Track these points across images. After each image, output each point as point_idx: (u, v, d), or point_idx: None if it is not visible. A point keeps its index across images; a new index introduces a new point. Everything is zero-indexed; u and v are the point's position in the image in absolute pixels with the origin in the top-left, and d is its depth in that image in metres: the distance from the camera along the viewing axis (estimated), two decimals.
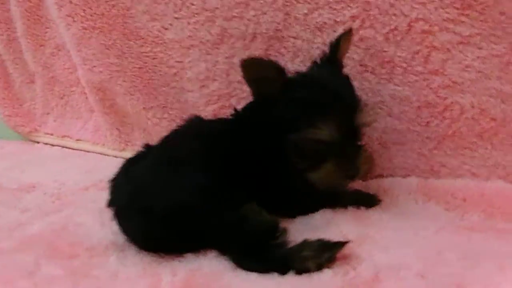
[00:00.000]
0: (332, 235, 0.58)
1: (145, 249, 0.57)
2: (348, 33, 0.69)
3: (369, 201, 0.73)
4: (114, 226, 0.60)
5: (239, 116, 0.72)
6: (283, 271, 0.50)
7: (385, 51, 0.77)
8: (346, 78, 0.68)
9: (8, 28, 1.28)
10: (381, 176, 0.82)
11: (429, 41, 0.74)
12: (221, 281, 0.48)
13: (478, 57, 0.71)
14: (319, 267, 0.50)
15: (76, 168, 1.00)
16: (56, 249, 0.57)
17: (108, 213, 0.60)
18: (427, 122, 0.77)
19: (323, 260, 0.50)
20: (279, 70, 0.63)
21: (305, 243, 0.53)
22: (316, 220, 0.65)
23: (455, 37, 0.72)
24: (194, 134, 0.67)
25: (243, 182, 0.59)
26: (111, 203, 0.61)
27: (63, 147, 1.23)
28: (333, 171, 0.61)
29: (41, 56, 1.24)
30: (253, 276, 0.50)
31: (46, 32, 1.22)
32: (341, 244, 0.52)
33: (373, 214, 0.67)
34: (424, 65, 0.75)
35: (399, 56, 0.76)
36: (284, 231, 0.56)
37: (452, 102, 0.74)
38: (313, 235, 0.58)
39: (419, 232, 0.60)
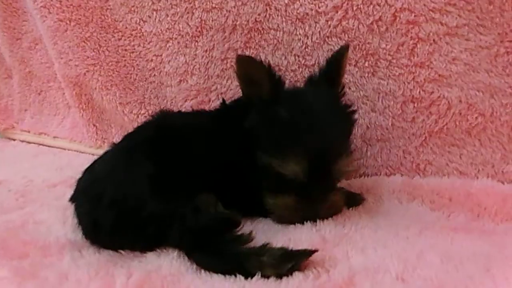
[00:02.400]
0: (306, 235, 0.55)
1: (98, 244, 0.54)
2: (345, 48, 0.63)
3: (352, 200, 0.69)
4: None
5: (221, 109, 0.69)
6: (237, 270, 0.46)
7: (368, 43, 0.74)
8: (343, 109, 0.62)
9: None
10: (364, 174, 0.79)
11: (414, 32, 0.70)
12: (179, 284, 0.44)
13: (465, 49, 0.68)
14: (278, 276, 0.45)
15: (48, 165, 0.96)
16: (7, 248, 0.53)
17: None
18: (413, 118, 0.73)
19: (284, 271, 0.46)
20: (273, 77, 0.59)
21: (267, 248, 0.48)
22: None
23: (442, 28, 0.68)
24: (155, 124, 0.64)
25: (202, 174, 0.56)
26: (71, 198, 0.57)
27: (39, 144, 1.18)
28: (289, 207, 0.58)
29: (17, 50, 1.20)
30: (216, 279, 0.45)
31: (23, 25, 1.18)
32: (306, 254, 0.47)
33: (353, 214, 0.63)
34: (410, 58, 0.72)
35: (384, 48, 0.73)
36: (240, 225, 0.53)
37: (438, 97, 0.71)
38: (283, 236, 0.55)
39: (400, 233, 0.56)
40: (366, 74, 0.75)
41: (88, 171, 0.60)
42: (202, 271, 0.47)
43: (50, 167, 0.93)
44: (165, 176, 0.55)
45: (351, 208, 0.65)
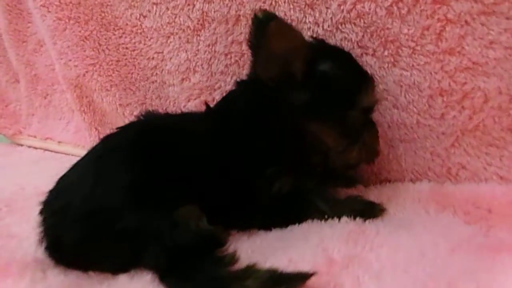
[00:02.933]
0: (310, 255, 0.45)
1: (62, 264, 0.47)
2: None
3: (369, 210, 0.59)
4: None
5: (211, 110, 0.62)
6: None
7: (388, 29, 0.64)
8: None
9: None
10: (385, 180, 0.69)
11: (442, 13, 0.60)
12: None
13: (505, 29, 0.57)
14: None
15: (46, 171, 0.90)
16: None
17: None
18: (442, 114, 0.63)
19: None
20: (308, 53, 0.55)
21: (252, 270, 0.40)
22: (291, 233, 0.52)
23: (476, 6, 0.58)
24: (137, 126, 0.56)
25: (188, 182, 0.48)
26: (39, 211, 0.50)
27: (45, 150, 1.14)
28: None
29: (23, 53, 1.17)
30: None
31: (28, 27, 1.15)
32: (300, 278, 0.39)
33: (369, 228, 0.53)
34: (437, 43, 0.61)
35: (406, 34, 0.63)
36: (225, 244, 0.45)
37: (473, 88, 0.60)
38: (282, 254, 0.46)
39: (427, 253, 0.45)
40: (386, 65, 0.66)
41: (60, 179, 0.53)
42: None
43: (47, 173, 0.86)
44: (143, 185, 0.47)
45: (367, 221, 0.55)
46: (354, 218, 0.56)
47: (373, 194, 0.63)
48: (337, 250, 0.47)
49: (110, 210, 0.45)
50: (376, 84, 0.62)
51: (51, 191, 0.52)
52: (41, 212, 0.50)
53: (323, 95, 0.55)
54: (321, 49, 0.60)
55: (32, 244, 0.53)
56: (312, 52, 0.55)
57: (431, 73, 0.62)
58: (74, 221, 0.45)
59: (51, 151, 1.14)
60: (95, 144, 0.60)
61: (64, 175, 0.53)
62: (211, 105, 0.65)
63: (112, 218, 0.44)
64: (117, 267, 0.45)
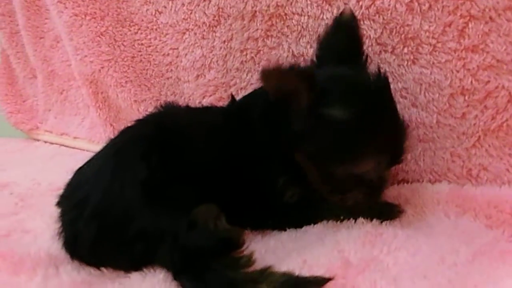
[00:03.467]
0: (325, 257, 0.44)
1: (77, 259, 0.47)
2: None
3: (386, 212, 0.57)
4: None
5: (232, 106, 0.61)
6: None
7: (408, 25, 0.62)
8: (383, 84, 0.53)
9: (11, 21, 1.24)
10: (404, 181, 0.67)
11: (465, 8, 0.58)
12: None
13: None
14: None
15: (61, 167, 0.90)
16: None
17: None
18: (463, 114, 0.61)
19: None
20: (312, 85, 0.47)
21: (267, 273, 0.39)
22: (306, 234, 0.50)
23: (501, 2, 0.55)
24: (156, 120, 0.55)
25: (207, 180, 0.47)
26: (57, 203, 0.51)
27: (61, 145, 1.15)
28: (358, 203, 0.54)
29: (41, 49, 1.18)
30: None
31: (45, 24, 1.16)
32: (316, 283, 0.38)
33: (387, 230, 0.51)
34: (459, 41, 0.59)
35: (426, 31, 0.61)
36: (243, 246, 0.44)
37: (496, 87, 0.58)
38: (297, 256, 0.45)
39: (447, 258, 0.44)
40: (406, 62, 0.64)
41: (78, 171, 0.52)
42: None
43: (62, 169, 0.87)
44: (161, 183, 0.46)
45: (384, 223, 0.54)
46: (371, 220, 0.55)
47: (391, 195, 0.61)
48: (354, 253, 0.46)
49: (125, 207, 0.44)
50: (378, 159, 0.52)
51: (68, 184, 0.52)
52: (58, 206, 0.50)
53: (317, 135, 0.49)
54: (337, 87, 0.50)
55: (46, 240, 0.53)
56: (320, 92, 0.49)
57: (452, 71, 0.60)
58: (91, 216, 0.45)
59: (67, 146, 1.14)
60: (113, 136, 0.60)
61: (82, 167, 0.52)
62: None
63: (128, 215, 0.44)
64: (132, 265, 0.45)
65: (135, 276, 0.43)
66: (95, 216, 0.45)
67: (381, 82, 0.51)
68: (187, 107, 0.63)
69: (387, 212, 0.57)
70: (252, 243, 0.49)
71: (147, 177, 0.46)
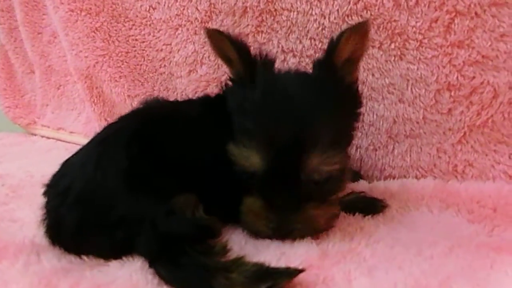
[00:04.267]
0: (303, 248, 0.45)
1: (59, 246, 0.47)
2: (358, 27, 0.47)
3: (371, 206, 0.57)
4: None
5: (210, 97, 0.61)
6: (201, 287, 0.38)
7: (395, 21, 0.63)
8: (334, 96, 0.48)
9: (10, 17, 1.24)
10: (390, 176, 0.67)
11: (451, 4, 0.58)
12: None
13: None
14: None
15: (56, 160, 0.91)
16: None
17: None
18: (449, 109, 0.61)
19: None
20: (244, 56, 0.50)
21: (239, 262, 0.39)
22: None
23: None
24: (139, 114, 0.56)
25: (186, 171, 0.47)
26: (43, 192, 0.51)
27: (58, 140, 1.16)
28: (256, 213, 0.47)
29: (38, 45, 1.19)
30: None
31: (43, 19, 1.17)
32: (287, 274, 0.38)
33: (368, 224, 0.52)
34: (445, 36, 0.60)
35: (413, 26, 0.61)
36: (219, 235, 0.44)
37: (482, 83, 0.58)
38: (276, 249, 0.45)
39: (424, 250, 0.44)
40: (393, 58, 0.64)
41: (64, 162, 0.53)
42: (164, 286, 0.39)
43: (57, 162, 0.89)
44: (141, 172, 0.47)
45: (367, 217, 0.54)
46: (353, 214, 0.55)
47: (377, 190, 0.62)
48: (332, 245, 0.46)
49: (107, 194, 0.45)
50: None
51: (55, 174, 0.52)
52: (44, 194, 0.51)
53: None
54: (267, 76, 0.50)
55: (32, 229, 0.54)
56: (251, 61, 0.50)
57: (438, 67, 0.60)
58: (74, 203, 0.45)
59: (63, 141, 1.15)
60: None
61: (68, 159, 0.53)
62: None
63: (109, 203, 0.44)
64: (112, 252, 0.45)
65: (113, 263, 0.44)
66: (77, 202, 0.45)
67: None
68: (172, 101, 0.64)
69: (371, 207, 0.57)
70: (233, 234, 0.50)
71: (128, 167, 0.47)
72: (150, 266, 0.41)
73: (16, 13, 1.20)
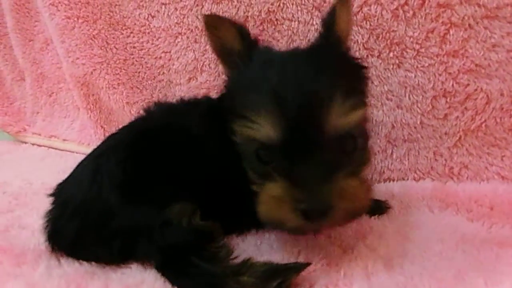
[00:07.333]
0: (316, 247, 0.47)
1: (59, 254, 0.48)
2: (344, 1, 0.48)
3: (376, 207, 0.60)
4: None
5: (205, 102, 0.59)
6: None
7: (393, 31, 0.66)
8: (338, 60, 0.47)
9: None
10: (390, 179, 0.70)
11: (446, 16, 0.62)
12: None
13: (508, 33, 0.59)
14: None
15: (52, 168, 0.91)
16: None
17: None
18: (445, 115, 0.65)
19: None
20: (245, 37, 0.48)
21: (248, 265, 0.40)
22: None
23: (479, 10, 0.60)
24: (138, 126, 0.56)
25: (183, 179, 0.47)
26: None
27: (49, 147, 1.15)
28: (277, 197, 0.39)
29: (30, 52, 1.17)
30: None
31: (35, 26, 1.16)
32: (295, 269, 0.39)
33: (376, 223, 0.55)
34: (441, 46, 0.63)
35: (411, 37, 0.65)
36: (220, 239, 0.45)
37: (475, 90, 0.62)
38: (293, 247, 0.47)
39: (432, 247, 0.47)
40: (391, 66, 0.67)
41: (70, 174, 0.54)
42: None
43: (53, 170, 0.88)
44: (136, 184, 0.47)
45: (373, 217, 0.57)
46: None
47: (379, 192, 0.64)
48: (347, 242, 0.48)
49: (104, 206, 0.46)
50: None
51: (58, 185, 0.53)
52: (50, 204, 0.51)
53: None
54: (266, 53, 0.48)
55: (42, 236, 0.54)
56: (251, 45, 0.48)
57: (435, 75, 0.64)
58: (73, 214, 0.46)
59: (56, 148, 1.14)
60: (100, 141, 0.59)
61: (73, 170, 0.54)
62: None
63: (105, 215, 0.45)
64: (110, 261, 0.46)
65: (135, 266, 0.45)
66: (76, 214, 0.47)
67: None
68: (172, 106, 0.59)
69: (376, 208, 0.59)
70: (248, 235, 0.52)
71: (122, 182, 0.47)
72: (158, 271, 0.42)
73: (6, 19, 1.18)
